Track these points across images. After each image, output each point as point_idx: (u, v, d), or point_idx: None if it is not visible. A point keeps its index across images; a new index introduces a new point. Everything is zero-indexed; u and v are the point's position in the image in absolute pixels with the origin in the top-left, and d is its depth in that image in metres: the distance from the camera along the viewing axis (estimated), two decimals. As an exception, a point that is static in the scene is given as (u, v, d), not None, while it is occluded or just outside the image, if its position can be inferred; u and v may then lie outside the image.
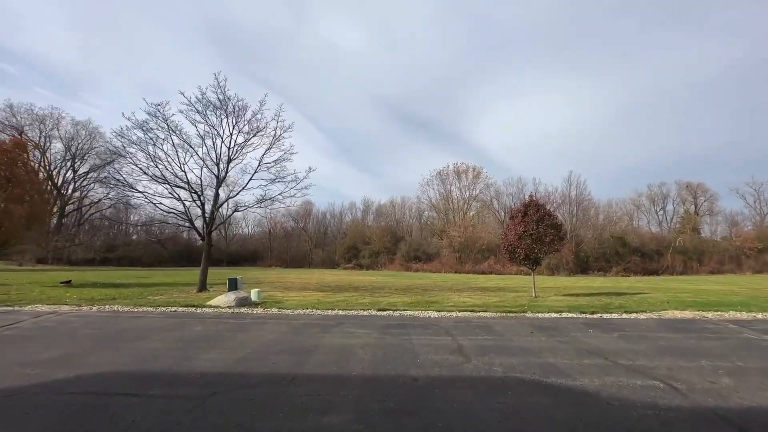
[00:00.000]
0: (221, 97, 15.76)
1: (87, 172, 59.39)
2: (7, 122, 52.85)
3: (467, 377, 4.57)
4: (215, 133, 16.21)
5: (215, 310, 10.53)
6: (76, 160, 60.88)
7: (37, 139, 58.72)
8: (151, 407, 3.56)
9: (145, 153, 15.14)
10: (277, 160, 17.22)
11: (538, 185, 54.61)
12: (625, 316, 9.95)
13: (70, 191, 64.34)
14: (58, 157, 61.88)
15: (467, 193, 63.87)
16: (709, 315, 10.12)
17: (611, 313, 10.35)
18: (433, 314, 10.05)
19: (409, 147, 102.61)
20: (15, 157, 20.84)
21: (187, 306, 11.02)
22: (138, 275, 31.85)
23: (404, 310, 10.76)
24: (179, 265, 56.92)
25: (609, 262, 45.76)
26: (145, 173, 15.00)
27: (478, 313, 10.26)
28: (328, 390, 4.07)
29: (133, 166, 15.57)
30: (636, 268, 43.97)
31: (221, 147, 16.54)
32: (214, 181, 16.66)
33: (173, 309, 10.49)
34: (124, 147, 14.62)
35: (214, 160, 16.55)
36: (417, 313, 10.26)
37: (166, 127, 14.88)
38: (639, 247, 47.69)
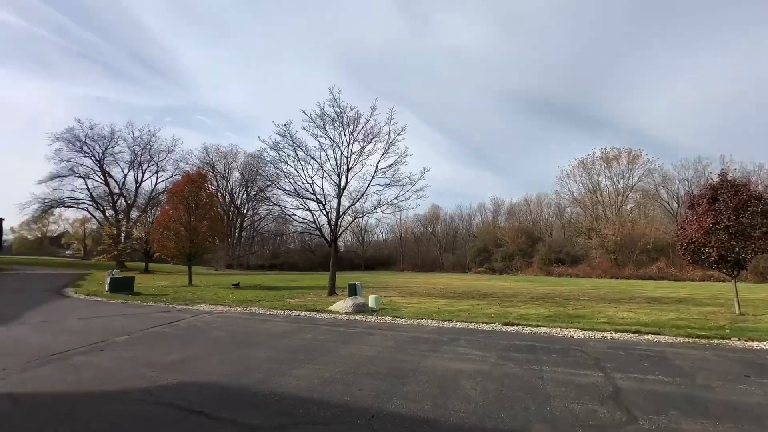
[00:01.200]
0: (337, 110, 16.52)
1: (255, 194, 72.05)
2: (203, 160, 68.71)
3: (629, 454, 2.89)
4: (334, 144, 17.09)
5: (333, 316, 10.63)
6: (249, 185, 74.64)
7: (223, 170, 74.51)
8: (212, 436, 3.20)
9: (279, 170, 16.97)
10: (392, 164, 17.14)
11: (728, 164, 41.69)
12: None
13: (246, 210, 79.46)
14: (237, 184, 77.21)
15: (621, 183, 53.23)
16: None
17: None
18: (577, 334, 7.88)
19: (542, 139, 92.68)
20: (199, 185, 26.39)
21: (310, 310, 11.49)
22: (290, 279, 36.60)
23: (538, 325, 8.82)
24: (327, 270, 63.70)
25: None
26: (278, 188, 16.78)
27: (645, 336, 7.60)
28: (409, 443, 3.05)
29: (270, 183, 17.69)
30: None
31: (340, 157, 17.34)
32: (337, 190, 17.55)
33: (297, 313, 11.05)
34: (259, 167, 16.60)
35: (335, 171, 17.43)
36: (554, 330, 8.23)
37: (293, 144, 16.34)
38: None
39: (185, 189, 25.40)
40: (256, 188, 69.98)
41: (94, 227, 60.03)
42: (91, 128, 53.79)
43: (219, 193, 67.00)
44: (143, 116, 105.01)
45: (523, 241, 54.29)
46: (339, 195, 17.53)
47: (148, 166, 60.29)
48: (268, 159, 16.95)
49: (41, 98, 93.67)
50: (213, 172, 67.82)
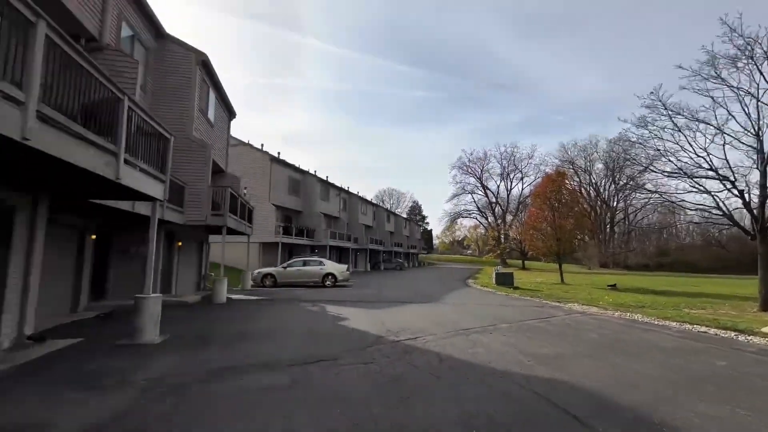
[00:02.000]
0: (739, 43, 11.47)
1: (624, 183, 63.28)
2: (561, 158, 68.86)
3: None
4: (741, 93, 11.89)
5: (770, 342, 7.14)
6: (615, 174, 66.69)
7: (584, 164, 71.19)
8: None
9: (651, 149, 13.88)
10: None
11: None
12: None
13: (615, 203, 71.43)
14: (602, 175, 71.24)
15: None
16: None
17: None
18: None
19: None
20: (560, 184, 26.52)
21: (725, 328, 8.34)
22: (687, 283, 28.87)
23: None
24: (749, 272, 45.25)
25: None
26: (653, 171, 13.69)
27: None
28: None
29: (644, 168, 14.78)
30: None
31: (758, 107, 11.80)
32: (754, 158, 12.01)
33: (701, 329, 8.32)
34: (625, 151, 14.28)
35: (751, 130, 12.03)
36: None
37: (667, 112, 12.89)
38: None
39: (546, 190, 26.39)
40: (624, 177, 61.37)
41: (482, 231, 75.02)
42: (471, 153, 69.86)
43: (582, 189, 64.27)
44: (504, 132, 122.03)
45: None
46: (764, 163, 11.90)
47: (514, 175, 68.86)
48: (634, 139, 14.36)
49: (437, 140, 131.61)
50: (573, 168, 66.32)
